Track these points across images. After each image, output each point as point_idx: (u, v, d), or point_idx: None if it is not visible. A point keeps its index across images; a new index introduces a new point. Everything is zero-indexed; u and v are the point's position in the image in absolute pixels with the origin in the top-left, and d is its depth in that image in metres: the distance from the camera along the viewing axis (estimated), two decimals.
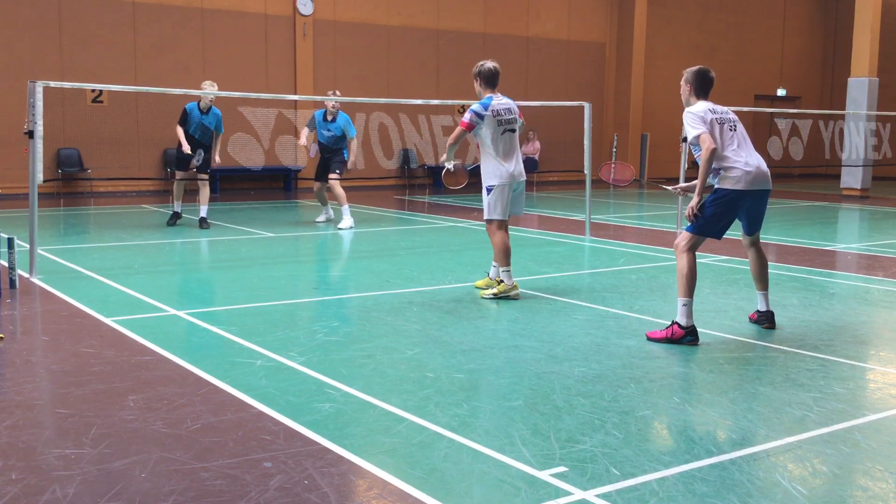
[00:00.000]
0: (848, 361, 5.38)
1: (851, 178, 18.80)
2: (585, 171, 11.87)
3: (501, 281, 7.14)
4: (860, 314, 6.91)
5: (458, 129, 7.11)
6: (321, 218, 12.49)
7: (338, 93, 12.00)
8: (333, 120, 11.73)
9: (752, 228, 6.09)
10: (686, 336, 5.66)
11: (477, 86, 7.34)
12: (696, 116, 5.74)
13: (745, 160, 5.73)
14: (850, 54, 18.89)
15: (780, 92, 25.79)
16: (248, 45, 17.97)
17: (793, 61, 26.64)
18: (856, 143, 18.21)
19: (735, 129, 5.83)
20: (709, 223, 5.78)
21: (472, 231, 11.97)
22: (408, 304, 6.88)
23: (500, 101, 7.18)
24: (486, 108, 7.06)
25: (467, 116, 7.07)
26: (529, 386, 4.78)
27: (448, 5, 20.37)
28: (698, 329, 6.03)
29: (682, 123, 13.45)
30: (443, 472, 3.58)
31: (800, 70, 26.90)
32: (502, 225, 7.16)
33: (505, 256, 7.10)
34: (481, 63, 7.34)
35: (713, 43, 24.69)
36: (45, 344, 5.65)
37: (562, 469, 3.60)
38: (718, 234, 5.85)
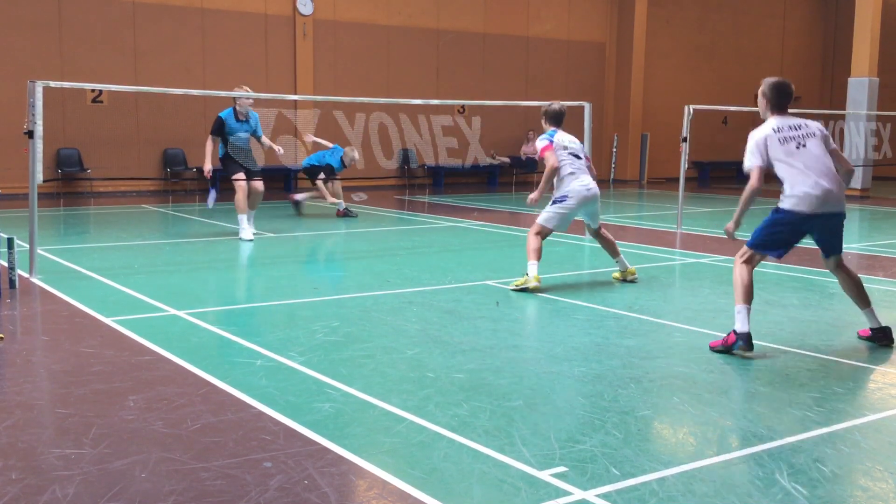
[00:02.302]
0: (848, 361, 5.38)
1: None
2: None
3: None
4: (860, 314, 6.89)
5: (548, 159, 7.59)
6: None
7: (247, 88, 10.94)
8: (246, 119, 10.82)
9: (828, 251, 5.73)
10: (736, 342, 5.41)
11: (543, 122, 7.92)
12: (754, 145, 5.53)
13: (813, 181, 5.41)
14: (850, 54, 18.89)
15: None
16: (248, 45, 17.96)
17: (793, 61, 26.63)
18: (856, 143, 18.20)
19: (804, 146, 5.50)
20: (765, 240, 5.57)
21: (472, 231, 11.97)
22: (408, 304, 6.88)
23: (563, 135, 7.76)
24: (552, 136, 7.68)
25: (544, 142, 7.66)
26: (529, 386, 4.78)
27: (448, 5, 20.37)
28: (698, 329, 6.04)
29: (681, 123, 13.42)
30: (443, 472, 3.58)
31: (800, 70, 26.88)
32: (546, 234, 7.70)
33: (535, 252, 7.53)
34: (549, 103, 7.95)
35: (713, 43, 24.69)
36: (45, 344, 5.65)
37: (562, 469, 3.60)
38: (779, 253, 5.62)
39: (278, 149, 11.13)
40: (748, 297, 5.47)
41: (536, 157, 7.81)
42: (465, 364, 5.18)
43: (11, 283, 7.22)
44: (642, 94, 23.21)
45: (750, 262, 5.59)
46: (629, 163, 23.16)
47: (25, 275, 7.71)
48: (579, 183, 7.56)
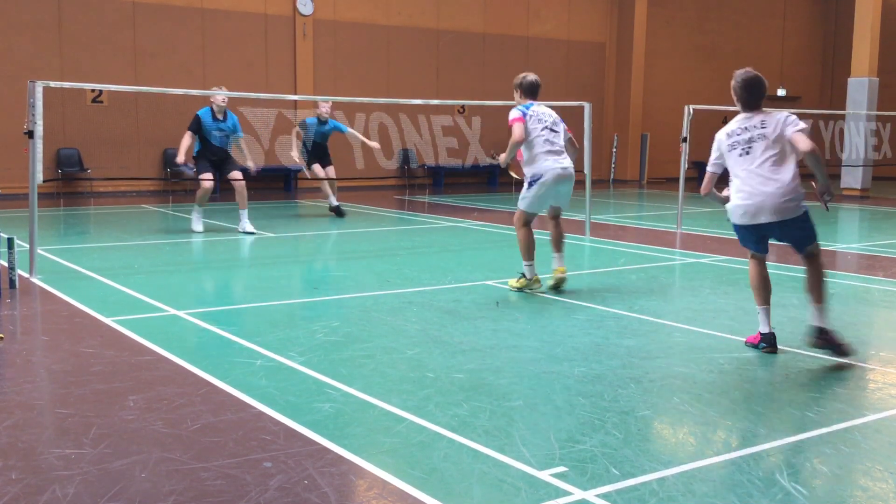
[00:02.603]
0: (848, 361, 5.38)
1: (851, 178, 18.81)
2: (585, 171, 11.86)
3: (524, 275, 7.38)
4: (860, 314, 6.91)
5: (514, 130, 7.23)
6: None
7: (224, 88, 11.38)
8: (224, 119, 11.15)
9: (796, 248, 5.52)
10: (760, 342, 5.50)
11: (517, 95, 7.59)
12: (715, 144, 5.54)
13: (748, 191, 5.30)
14: (850, 54, 18.89)
15: (780, 92, 25.78)
16: (248, 45, 17.97)
17: (793, 61, 26.64)
18: (856, 143, 18.22)
19: (747, 153, 5.33)
20: (742, 242, 5.61)
21: (472, 231, 11.97)
22: (408, 304, 6.88)
23: (539, 108, 7.45)
24: (527, 109, 7.36)
25: (516, 114, 7.32)
26: (529, 386, 4.78)
27: (448, 5, 20.37)
28: (698, 329, 6.04)
29: (681, 123, 13.38)
30: (443, 472, 3.58)
31: (800, 70, 26.89)
32: (529, 220, 7.47)
33: (527, 250, 7.36)
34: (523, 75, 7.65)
35: (713, 43, 24.69)
36: (45, 344, 5.65)
37: (562, 469, 3.60)
38: (759, 251, 5.54)
39: (252, 165, 11.40)
40: (761, 297, 5.51)
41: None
42: (465, 364, 5.18)
43: (11, 283, 7.22)
44: (642, 94, 23.22)
45: (753, 258, 5.61)
46: (629, 163, 23.17)
47: (25, 275, 7.71)
48: (554, 161, 7.27)
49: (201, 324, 6.16)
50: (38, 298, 7.00)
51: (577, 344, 5.67)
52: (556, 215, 7.61)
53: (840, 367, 5.25)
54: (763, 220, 5.29)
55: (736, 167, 5.40)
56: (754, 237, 5.48)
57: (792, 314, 6.64)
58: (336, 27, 18.96)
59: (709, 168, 5.62)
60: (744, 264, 8.85)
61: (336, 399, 4.50)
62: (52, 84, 8.80)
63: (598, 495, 3.35)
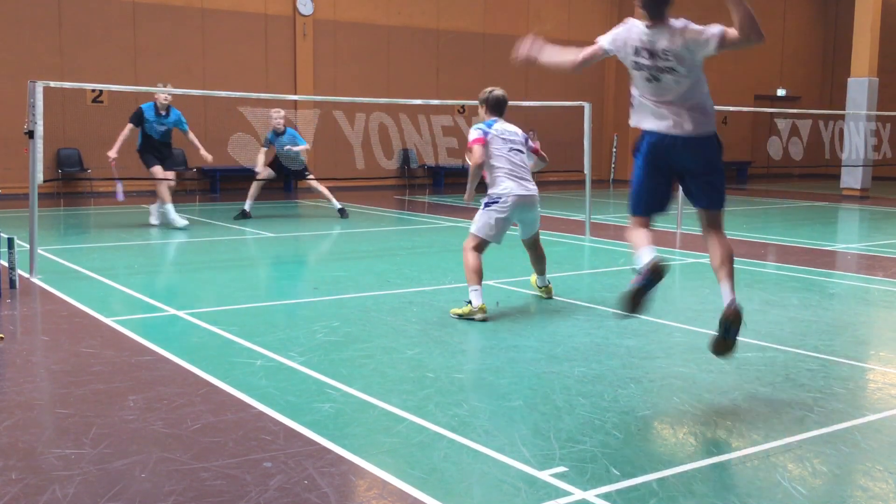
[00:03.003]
0: (848, 361, 5.38)
1: (851, 178, 18.80)
2: (585, 171, 11.86)
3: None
4: (860, 314, 6.91)
5: (473, 153, 6.62)
6: (155, 220, 11.92)
7: (169, 85, 11.67)
8: (167, 115, 11.33)
9: (700, 199, 4.69)
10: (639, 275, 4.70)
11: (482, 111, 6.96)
12: (618, 36, 4.74)
13: (654, 130, 4.65)
14: (850, 54, 18.89)
15: (780, 92, 25.78)
16: (248, 45, 17.97)
17: (793, 61, 26.63)
18: (856, 143, 18.21)
19: (657, 80, 4.62)
20: (631, 197, 4.87)
21: None
22: (408, 304, 6.88)
23: (503, 125, 6.84)
24: (489, 127, 6.75)
25: (477, 133, 6.71)
26: (529, 386, 4.78)
27: (448, 5, 20.38)
28: (698, 329, 6.03)
29: None
30: (443, 472, 3.58)
31: (800, 70, 26.89)
32: (482, 247, 6.68)
33: (473, 275, 6.44)
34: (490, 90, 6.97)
35: None
36: (45, 344, 5.65)
37: (562, 469, 3.60)
38: (651, 207, 4.79)
39: (206, 154, 11.52)
40: (639, 242, 4.77)
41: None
42: (465, 364, 5.18)
43: (11, 283, 7.22)
44: None
45: (634, 221, 4.85)
46: (629, 163, 23.14)
47: (25, 275, 7.71)
48: (517, 184, 6.60)
49: (201, 324, 6.16)
50: (38, 298, 7.00)
51: (577, 344, 5.67)
52: (532, 243, 7.04)
53: (840, 367, 5.25)
54: (671, 132, 4.54)
55: (640, 90, 4.67)
56: (656, 172, 4.66)
57: (792, 314, 6.64)
58: (336, 27, 18.96)
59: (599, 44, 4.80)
60: (743, 263, 8.84)
61: (336, 399, 4.50)
62: (52, 84, 8.79)
63: (598, 495, 3.35)
